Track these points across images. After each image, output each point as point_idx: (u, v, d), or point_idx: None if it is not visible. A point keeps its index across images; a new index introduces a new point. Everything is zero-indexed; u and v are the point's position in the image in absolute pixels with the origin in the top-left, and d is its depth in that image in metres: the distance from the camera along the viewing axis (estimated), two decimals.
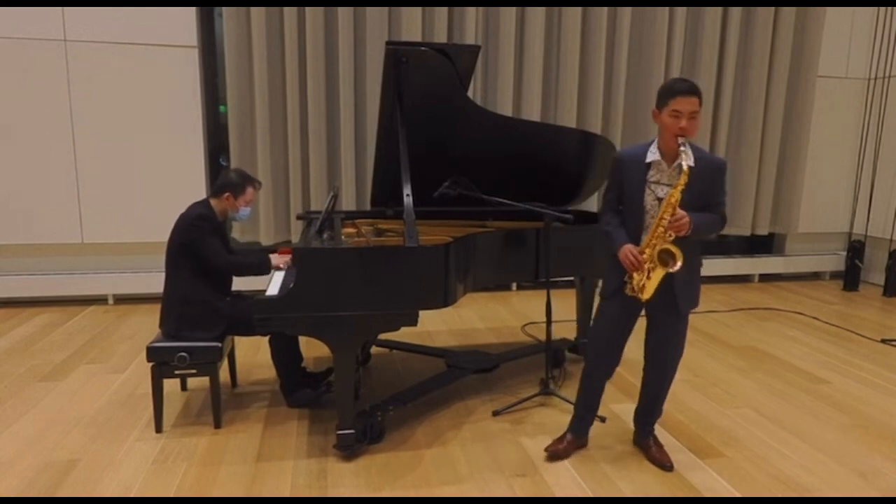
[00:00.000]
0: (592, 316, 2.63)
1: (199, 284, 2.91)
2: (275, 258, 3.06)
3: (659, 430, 2.83)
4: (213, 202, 3.03)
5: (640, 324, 2.60)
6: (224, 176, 3.06)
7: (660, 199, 2.38)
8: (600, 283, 2.67)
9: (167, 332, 2.89)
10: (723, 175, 2.43)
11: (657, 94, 2.37)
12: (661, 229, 2.31)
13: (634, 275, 2.40)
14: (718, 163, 2.43)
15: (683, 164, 2.25)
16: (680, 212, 2.27)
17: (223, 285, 3.04)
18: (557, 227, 3.20)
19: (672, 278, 2.36)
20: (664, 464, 2.62)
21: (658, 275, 2.35)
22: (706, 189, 2.36)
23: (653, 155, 2.39)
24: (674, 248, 2.29)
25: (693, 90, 2.26)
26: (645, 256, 2.36)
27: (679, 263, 2.28)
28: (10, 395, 3.26)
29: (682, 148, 2.27)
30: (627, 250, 2.38)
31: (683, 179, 2.26)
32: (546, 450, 2.68)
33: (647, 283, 2.37)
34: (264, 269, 3.01)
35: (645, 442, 2.73)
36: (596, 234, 3.00)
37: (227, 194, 3.00)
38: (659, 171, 2.39)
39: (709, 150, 5.74)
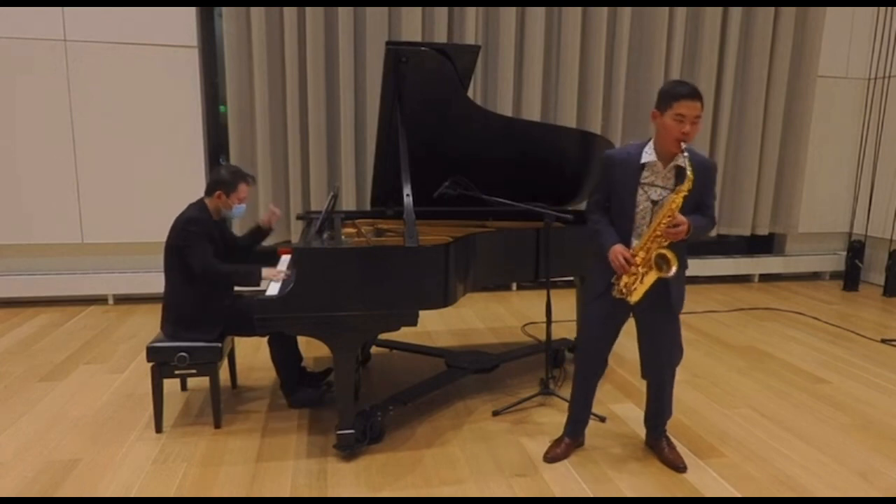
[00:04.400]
0: (580, 317, 2.62)
1: (192, 287, 2.85)
2: (267, 271, 2.89)
3: None
4: (206, 202, 2.96)
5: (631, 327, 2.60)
6: (215, 173, 2.98)
7: (653, 201, 2.36)
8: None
9: (166, 334, 2.89)
10: (713, 176, 2.43)
11: (659, 95, 2.32)
12: (657, 234, 2.30)
13: (623, 277, 2.39)
14: (709, 163, 2.42)
15: (688, 170, 2.23)
16: (680, 218, 2.26)
17: (219, 288, 2.95)
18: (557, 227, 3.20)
19: (668, 280, 2.34)
20: (678, 465, 2.61)
21: (651, 279, 2.34)
22: (699, 190, 2.34)
23: (648, 156, 2.36)
24: (669, 254, 2.27)
25: (698, 94, 2.25)
26: (638, 259, 2.35)
27: (674, 269, 2.27)
28: (10, 395, 3.26)
29: (685, 154, 2.25)
30: (618, 251, 2.36)
31: (687, 185, 2.24)
32: (545, 457, 2.68)
33: (639, 287, 2.36)
34: (253, 280, 2.87)
35: (658, 444, 2.71)
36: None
37: (218, 192, 2.92)
38: (653, 172, 2.37)
39: (709, 150, 5.75)
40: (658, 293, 2.40)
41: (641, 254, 2.34)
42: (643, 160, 2.36)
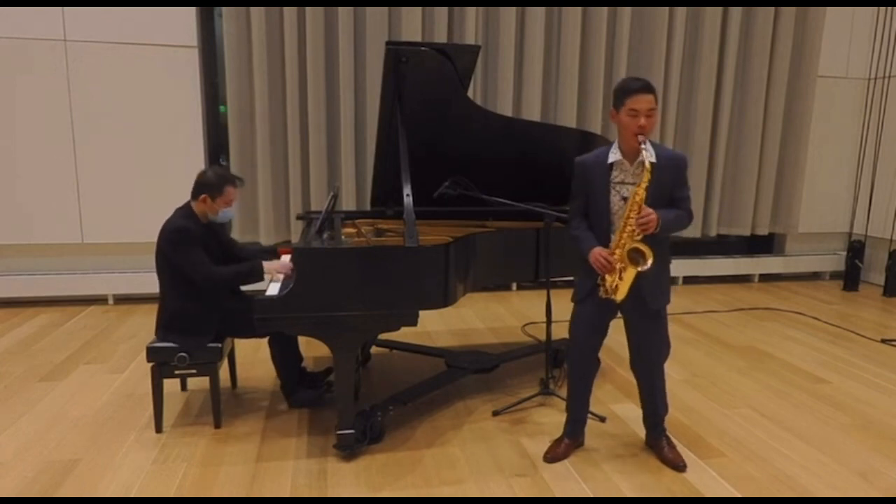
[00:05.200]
0: (569, 320, 2.62)
1: (181, 295, 2.80)
2: (269, 265, 2.84)
3: None
4: (193, 205, 2.86)
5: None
6: (201, 175, 2.84)
7: (625, 199, 2.39)
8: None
9: (158, 337, 2.86)
10: (684, 169, 2.45)
11: (613, 94, 2.38)
12: (629, 229, 2.33)
13: (607, 277, 2.40)
14: (679, 157, 2.45)
15: (646, 161, 2.27)
16: (647, 209, 2.29)
17: (210, 295, 2.84)
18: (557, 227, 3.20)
19: (640, 278, 2.35)
20: (677, 464, 2.62)
21: (630, 275, 2.35)
22: (669, 184, 2.38)
23: (614, 155, 2.40)
24: (643, 247, 2.30)
25: (648, 88, 2.29)
26: (615, 257, 2.37)
27: (650, 262, 2.29)
28: (10, 395, 3.26)
29: (643, 146, 2.29)
30: (598, 253, 2.40)
31: (647, 177, 2.28)
32: (545, 457, 2.68)
33: (620, 284, 2.37)
34: (256, 276, 2.81)
35: (657, 443, 2.72)
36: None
37: (203, 196, 2.81)
38: (622, 170, 2.41)
39: (709, 150, 5.76)
40: (635, 292, 2.41)
41: (618, 251, 2.37)
42: (610, 160, 2.41)
